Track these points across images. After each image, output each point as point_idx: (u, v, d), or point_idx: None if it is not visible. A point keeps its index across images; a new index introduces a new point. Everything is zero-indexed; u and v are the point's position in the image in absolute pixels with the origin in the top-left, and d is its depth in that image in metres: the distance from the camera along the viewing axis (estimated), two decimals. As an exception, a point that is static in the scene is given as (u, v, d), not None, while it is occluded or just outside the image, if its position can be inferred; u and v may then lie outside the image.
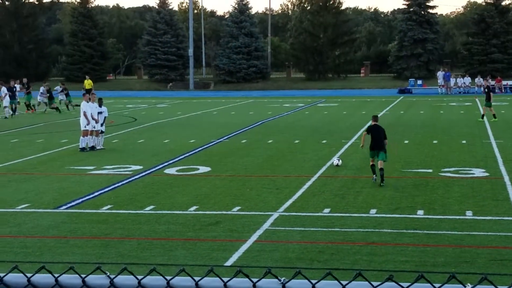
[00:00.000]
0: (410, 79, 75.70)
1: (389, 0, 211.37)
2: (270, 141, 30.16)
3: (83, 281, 2.84)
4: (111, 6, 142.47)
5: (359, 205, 16.86)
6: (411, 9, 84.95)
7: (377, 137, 20.01)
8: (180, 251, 13.15)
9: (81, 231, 14.82)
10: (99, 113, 28.46)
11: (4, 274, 2.89)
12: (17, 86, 50.87)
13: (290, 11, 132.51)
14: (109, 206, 17.22)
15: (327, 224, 15.04)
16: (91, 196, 18.63)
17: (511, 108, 47.17)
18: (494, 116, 37.83)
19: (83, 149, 27.62)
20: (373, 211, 16.20)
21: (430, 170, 21.81)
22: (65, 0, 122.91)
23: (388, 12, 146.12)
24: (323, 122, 39.65)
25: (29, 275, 2.87)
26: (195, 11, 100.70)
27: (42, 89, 50.68)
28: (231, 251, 13.06)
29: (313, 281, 2.68)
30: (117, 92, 79.92)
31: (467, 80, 69.51)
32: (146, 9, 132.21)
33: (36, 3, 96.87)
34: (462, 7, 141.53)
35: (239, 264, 12.13)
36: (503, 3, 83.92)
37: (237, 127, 36.56)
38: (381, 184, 19.24)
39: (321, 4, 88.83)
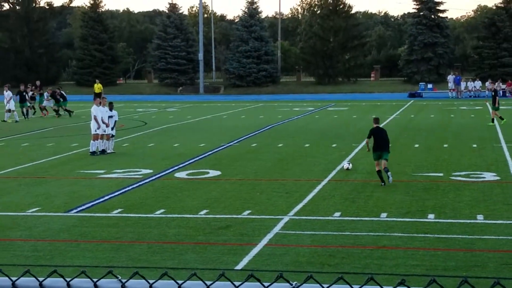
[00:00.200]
0: (420, 83, 75.58)
1: (399, 4, 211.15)
2: (280, 145, 30.15)
3: (95, 285, 2.83)
4: (121, 11, 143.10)
5: (370, 209, 16.83)
6: (421, 13, 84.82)
7: (380, 139, 20.06)
8: (190, 255, 13.15)
9: (92, 235, 14.84)
10: (110, 117, 28.50)
11: (16, 278, 2.90)
12: (30, 93, 51.07)
13: (300, 15, 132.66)
14: (119, 210, 17.24)
15: (337, 228, 15.02)
16: (102, 199, 18.65)
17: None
18: (501, 117, 37.81)
19: (93, 153, 27.67)
20: (383, 215, 16.17)
21: (441, 174, 21.75)
22: (76, 5, 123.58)
23: (398, 16, 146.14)
24: (333, 126, 39.62)
25: (41, 279, 2.88)
26: (205, 15, 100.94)
27: (46, 95, 51.11)
28: (241, 255, 13.05)
29: (325, 285, 2.67)
30: (127, 96, 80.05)
31: (478, 84, 69.35)
32: (156, 13, 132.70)
33: (47, 7, 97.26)
34: (472, 11, 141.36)
35: (250, 268, 12.12)
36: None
37: (247, 131, 36.56)
38: (389, 180, 19.42)
39: (331, 8, 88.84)
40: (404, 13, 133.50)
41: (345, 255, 12.96)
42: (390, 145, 20.38)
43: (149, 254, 13.29)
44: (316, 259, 12.78)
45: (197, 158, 26.54)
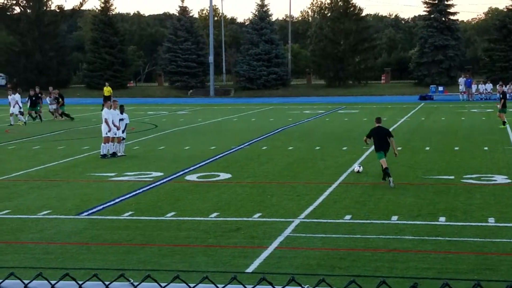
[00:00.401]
0: (431, 86, 75.40)
1: (410, 7, 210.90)
2: (290, 148, 30.14)
3: (107, 288, 2.84)
4: (131, 14, 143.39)
5: (380, 212, 16.79)
6: (432, 16, 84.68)
7: (380, 138, 20.24)
8: (201, 258, 13.15)
9: (103, 238, 14.86)
10: (121, 120, 28.58)
11: (29, 281, 2.90)
12: (48, 99, 51.40)
13: (310, 18, 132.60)
14: (130, 213, 17.26)
15: (348, 231, 14.99)
16: (112, 202, 18.69)
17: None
18: (504, 122, 37.66)
19: (104, 156, 27.73)
20: (394, 217, 16.13)
21: (452, 177, 21.69)
22: (86, 8, 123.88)
23: (409, 18, 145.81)
24: (344, 128, 39.58)
25: (53, 282, 2.88)
26: (216, 18, 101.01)
27: (49, 99, 51.38)
28: (252, 258, 13.04)
29: (337, 289, 2.66)
30: (138, 99, 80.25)
31: (489, 86, 69.13)
32: (166, 16, 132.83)
33: (58, 11, 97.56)
34: (483, 13, 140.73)
35: (260, 270, 12.11)
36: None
37: (258, 133, 36.56)
38: (389, 179, 19.58)
39: (341, 10, 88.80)
40: (414, 16, 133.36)
41: (356, 258, 12.93)
42: (399, 148, 20.46)
43: (159, 257, 13.29)
44: (327, 262, 12.76)
45: (208, 161, 26.55)
